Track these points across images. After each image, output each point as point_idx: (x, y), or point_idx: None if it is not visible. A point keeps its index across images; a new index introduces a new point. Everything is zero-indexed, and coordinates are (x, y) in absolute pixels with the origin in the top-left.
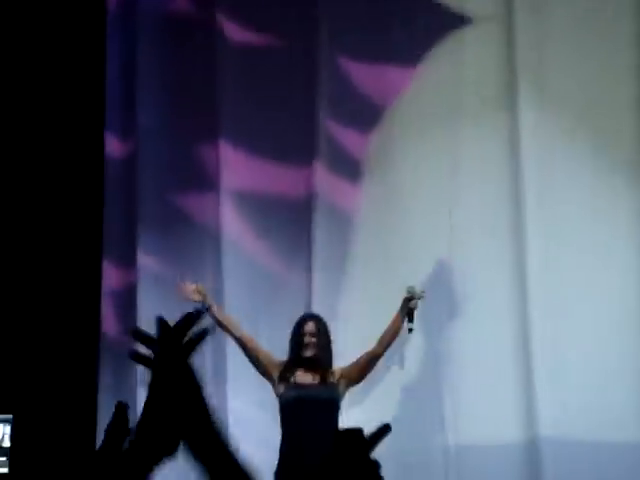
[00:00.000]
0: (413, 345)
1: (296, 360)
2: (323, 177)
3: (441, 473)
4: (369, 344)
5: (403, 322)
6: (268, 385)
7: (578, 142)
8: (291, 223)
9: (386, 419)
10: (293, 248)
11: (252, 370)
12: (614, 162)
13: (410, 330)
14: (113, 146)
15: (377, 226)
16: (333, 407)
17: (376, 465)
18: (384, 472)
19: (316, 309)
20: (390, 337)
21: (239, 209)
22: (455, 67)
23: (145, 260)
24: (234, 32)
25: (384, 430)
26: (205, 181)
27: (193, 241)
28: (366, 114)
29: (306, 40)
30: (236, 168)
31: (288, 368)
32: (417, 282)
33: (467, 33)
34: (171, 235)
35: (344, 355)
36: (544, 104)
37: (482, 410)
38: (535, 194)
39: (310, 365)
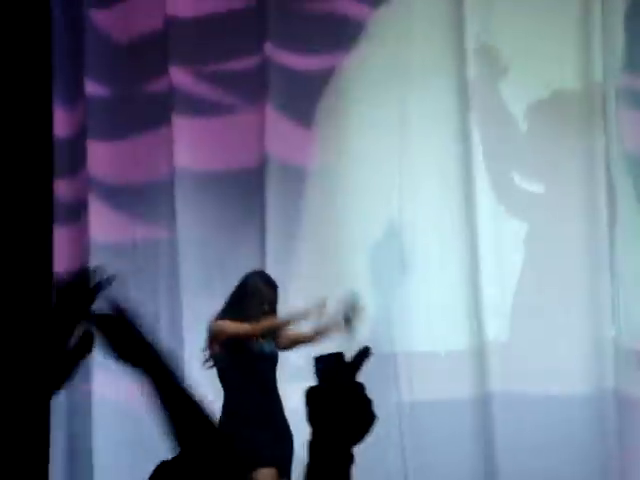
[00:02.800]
0: (365, 303)
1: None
2: (276, 131)
3: (396, 429)
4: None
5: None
6: None
7: (526, 95)
8: (245, 182)
9: None
10: (247, 207)
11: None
12: (562, 112)
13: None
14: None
15: (329, 187)
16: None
17: (361, 387)
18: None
19: (270, 270)
20: (302, 344)
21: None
22: (404, 23)
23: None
24: None
25: (365, 353)
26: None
27: (148, 192)
28: (317, 68)
29: None
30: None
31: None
32: (369, 241)
33: None
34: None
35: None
36: (492, 60)
37: (435, 366)
38: (484, 148)
39: None
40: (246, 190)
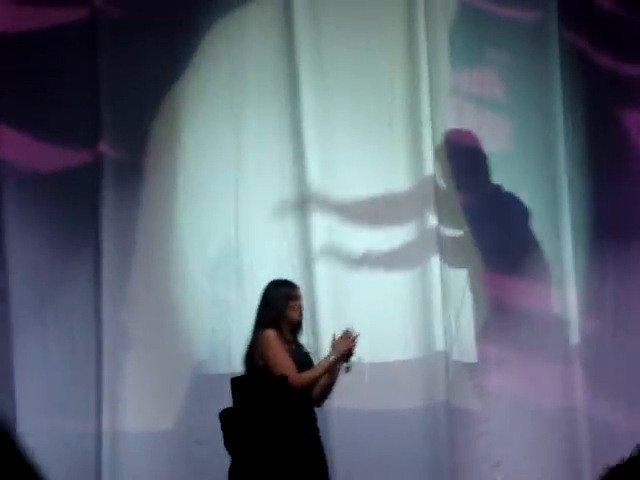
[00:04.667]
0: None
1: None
2: (108, 157)
3: None
4: (156, 328)
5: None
6: None
7: (355, 115)
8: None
9: None
10: (82, 224)
11: None
12: (391, 127)
13: (348, 369)
14: None
15: (165, 204)
16: None
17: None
18: None
19: (106, 291)
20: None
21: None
22: (237, 44)
23: None
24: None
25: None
26: None
27: None
28: (152, 88)
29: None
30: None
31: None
32: (205, 261)
33: (247, 12)
34: None
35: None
36: (324, 81)
37: None
38: (318, 168)
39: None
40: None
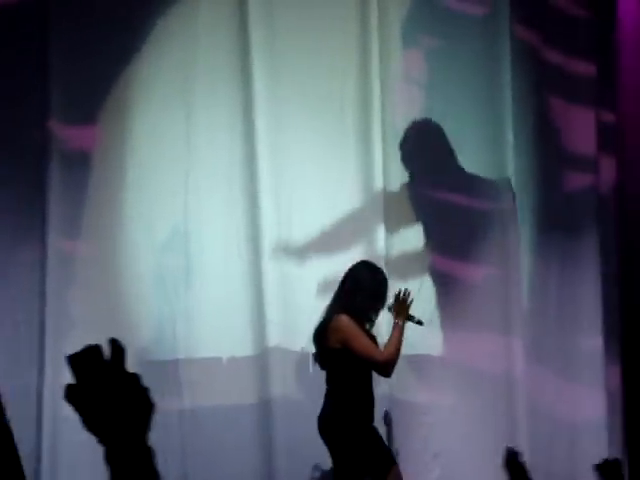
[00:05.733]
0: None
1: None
2: (56, 139)
3: (177, 435)
4: (101, 313)
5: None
6: None
7: (306, 98)
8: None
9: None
10: (29, 205)
11: None
12: (342, 115)
13: (420, 323)
14: None
15: (113, 188)
16: None
17: (132, 377)
18: None
19: (51, 273)
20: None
21: None
22: (189, 29)
23: None
24: None
25: (116, 346)
26: None
27: None
28: (103, 73)
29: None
30: None
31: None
32: (154, 248)
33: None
34: None
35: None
36: (275, 70)
37: (218, 372)
38: (268, 150)
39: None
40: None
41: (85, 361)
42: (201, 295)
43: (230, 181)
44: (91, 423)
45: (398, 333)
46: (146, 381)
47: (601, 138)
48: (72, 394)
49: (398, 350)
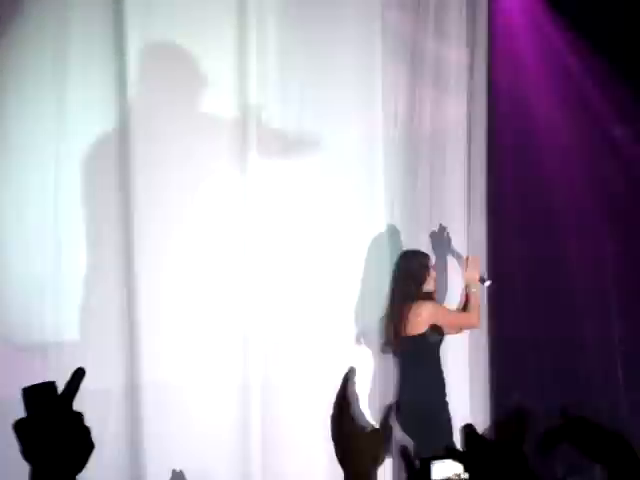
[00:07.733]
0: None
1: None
2: None
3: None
4: None
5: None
6: None
7: (180, 72)
8: None
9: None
10: None
11: None
12: (217, 88)
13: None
14: None
15: None
16: None
17: (77, 416)
18: None
19: None
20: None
21: None
22: (61, 8)
23: None
24: None
25: (78, 376)
26: None
27: None
28: None
29: None
30: None
31: None
32: (22, 231)
33: None
34: None
35: None
36: (151, 36)
37: (87, 354)
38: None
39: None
40: None
41: (37, 395)
42: (70, 281)
43: (102, 172)
44: (30, 454)
45: (476, 299)
46: None
47: None
48: (20, 426)
49: (479, 312)
